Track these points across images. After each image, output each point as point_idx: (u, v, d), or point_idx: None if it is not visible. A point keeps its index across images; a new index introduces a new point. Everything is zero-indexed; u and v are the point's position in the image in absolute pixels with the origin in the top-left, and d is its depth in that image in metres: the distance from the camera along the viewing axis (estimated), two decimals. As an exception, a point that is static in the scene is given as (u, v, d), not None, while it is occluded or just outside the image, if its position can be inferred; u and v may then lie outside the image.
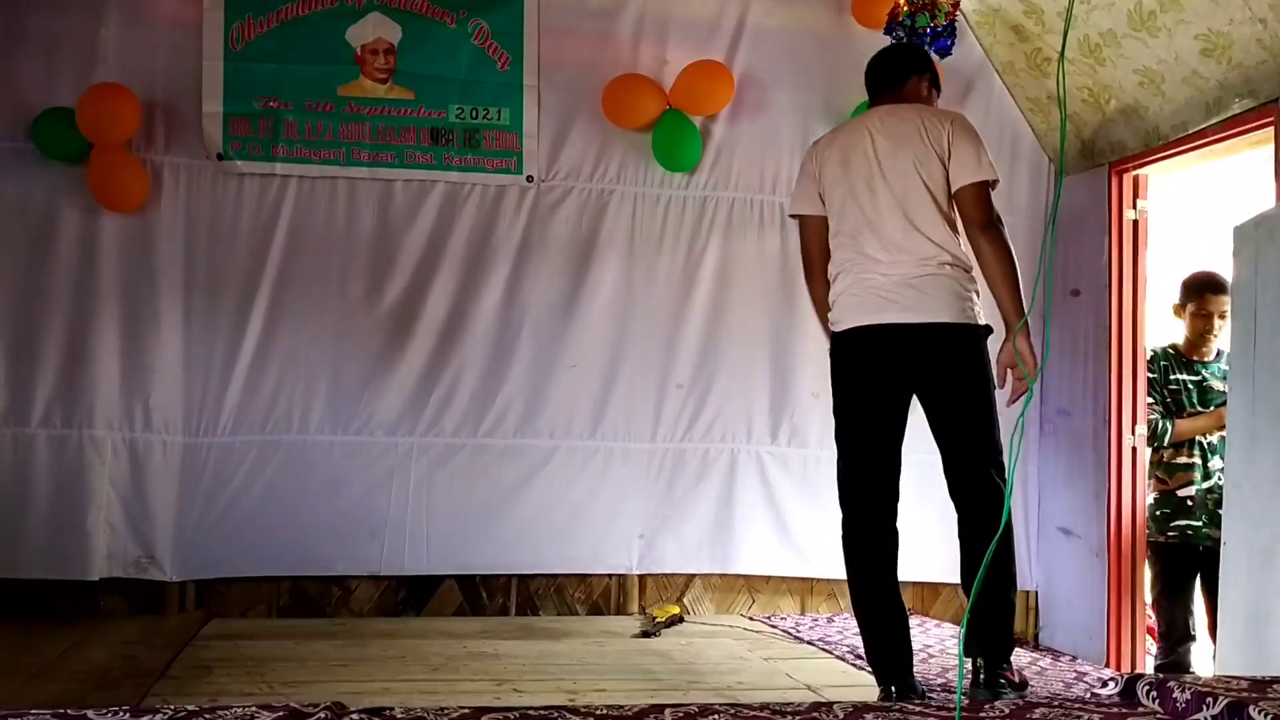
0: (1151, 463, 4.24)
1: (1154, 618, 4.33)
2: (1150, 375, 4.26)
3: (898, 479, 3.24)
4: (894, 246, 3.19)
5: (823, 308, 3.40)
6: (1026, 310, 3.15)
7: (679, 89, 4.45)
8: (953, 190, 3.19)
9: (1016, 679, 3.20)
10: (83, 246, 4.15)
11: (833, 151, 3.34)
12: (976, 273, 3.22)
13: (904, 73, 3.44)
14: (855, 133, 3.33)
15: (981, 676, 3.12)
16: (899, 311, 3.16)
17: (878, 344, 3.19)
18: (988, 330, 3.24)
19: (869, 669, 3.27)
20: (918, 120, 3.25)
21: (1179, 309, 4.24)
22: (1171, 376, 4.22)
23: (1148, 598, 4.41)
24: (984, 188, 3.18)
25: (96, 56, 4.14)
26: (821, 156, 3.37)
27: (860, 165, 3.25)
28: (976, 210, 3.16)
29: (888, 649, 3.18)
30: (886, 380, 3.22)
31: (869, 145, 3.26)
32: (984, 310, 3.25)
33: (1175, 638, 4.11)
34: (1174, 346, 4.28)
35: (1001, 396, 3.21)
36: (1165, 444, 4.15)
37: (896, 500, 3.24)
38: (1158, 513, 4.19)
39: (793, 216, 3.49)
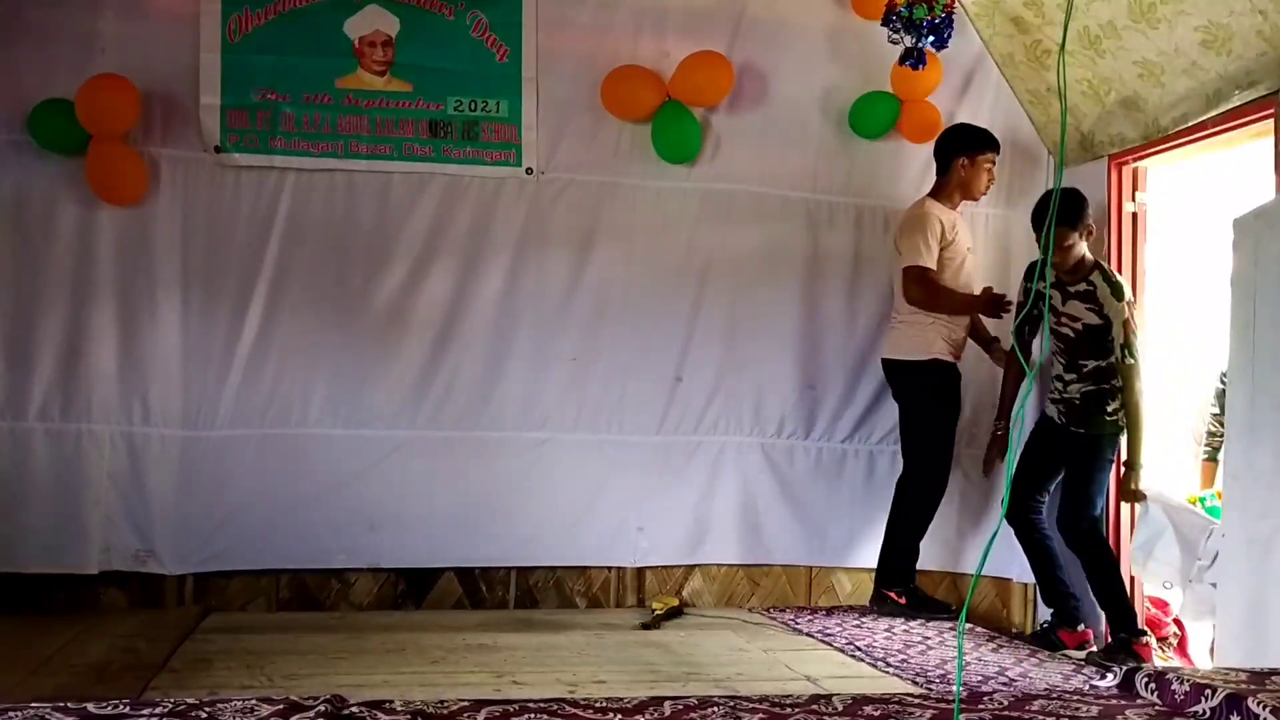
0: None
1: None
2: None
3: None
4: None
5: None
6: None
7: (679, 80, 4.44)
8: None
9: (903, 601, 4.30)
10: (80, 239, 4.13)
11: None
12: None
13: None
14: None
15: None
16: None
17: None
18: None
19: (869, 661, 3.29)
20: None
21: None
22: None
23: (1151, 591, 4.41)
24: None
25: (94, 48, 4.12)
26: None
27: None
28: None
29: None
30: None
31: None
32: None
33: None
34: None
35: None
36: None
37: None
38: None
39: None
